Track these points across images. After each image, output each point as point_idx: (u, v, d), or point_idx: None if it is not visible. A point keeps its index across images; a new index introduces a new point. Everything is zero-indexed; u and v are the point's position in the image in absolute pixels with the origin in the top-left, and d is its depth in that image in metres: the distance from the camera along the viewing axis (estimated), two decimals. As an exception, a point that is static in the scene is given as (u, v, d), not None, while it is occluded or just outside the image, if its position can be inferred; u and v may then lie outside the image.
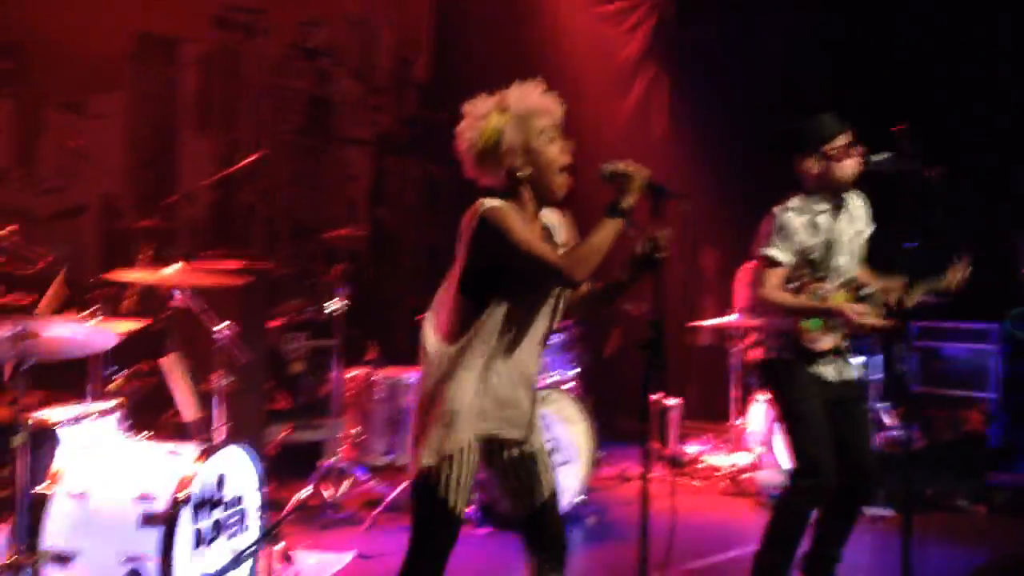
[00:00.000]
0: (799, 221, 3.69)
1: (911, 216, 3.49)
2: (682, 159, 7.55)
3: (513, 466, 2.71)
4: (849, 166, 3.66)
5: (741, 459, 6.25)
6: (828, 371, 3.74)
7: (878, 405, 6.17)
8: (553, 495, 2.74)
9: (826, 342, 3.70)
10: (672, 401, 6.75)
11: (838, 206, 3.74)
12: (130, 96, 7.20)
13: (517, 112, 2.60)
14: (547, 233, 2.74)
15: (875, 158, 3.66)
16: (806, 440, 3.68)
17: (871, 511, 5.35)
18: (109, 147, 7.05)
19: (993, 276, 7.59)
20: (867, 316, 3.59)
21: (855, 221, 3.81)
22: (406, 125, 8.88)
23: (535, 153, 2.60)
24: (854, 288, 3.78)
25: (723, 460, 6.47)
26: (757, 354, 3.90)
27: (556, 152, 2.63)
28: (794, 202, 3.72)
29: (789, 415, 3.76)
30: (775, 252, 3.69)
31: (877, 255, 3.93)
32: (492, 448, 2.68)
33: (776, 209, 3.73)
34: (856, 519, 3.82)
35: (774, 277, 3.70)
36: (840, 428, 3.71)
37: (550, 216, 2.77)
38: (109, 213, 7.02)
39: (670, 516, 2.64)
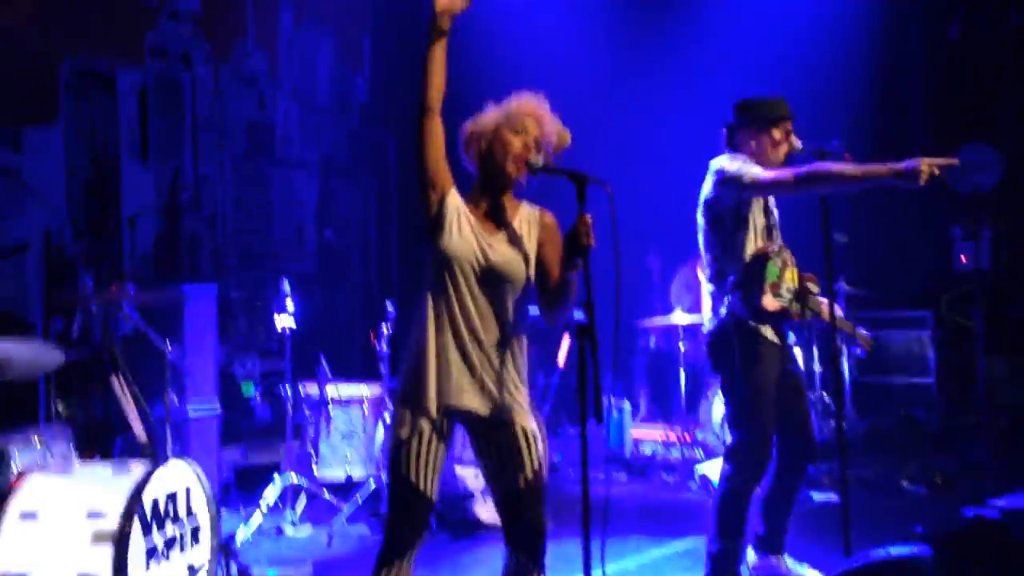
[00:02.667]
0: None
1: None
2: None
3: (487, 444, 2.73)
4: (783, 150, 3.78)
5: (695, 454, 6.39)
6: (769, 332, 3.73)
7: (820, 394, 6.35)
8: (534, 489, 2.69)
9: (773, 302, 3.66)
10: (624, 404, 6.87)
11: None
12: (67, 128, 7.17)
13: (506, 109, 2.74)
14: (510, 226, 2.74)
15: (799, 144, 3.81)
16: (759, 415, 3.65)
17: (818, 497, 5.52)
18: (49, 180, 7.00)
19: (927, 266, 7.91)
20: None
21: None
22: (350, 144, 8.93)
23: (497, 135, 2.71)
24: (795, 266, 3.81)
25: (677, 455, 6.59)
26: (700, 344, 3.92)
27: (516, 141, 2.70)
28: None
29: (746, 386, 3.66)
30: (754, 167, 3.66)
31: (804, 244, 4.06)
32: (465, 424, 2.74)
33: (724, 156, 3.77)
34: (802, 482, 3.89)
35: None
36: (782, 394, 3.73)
37: (527, 213, 2.80)
38: (52, 246, 6.98)
39: (603, 512, 2.62)
